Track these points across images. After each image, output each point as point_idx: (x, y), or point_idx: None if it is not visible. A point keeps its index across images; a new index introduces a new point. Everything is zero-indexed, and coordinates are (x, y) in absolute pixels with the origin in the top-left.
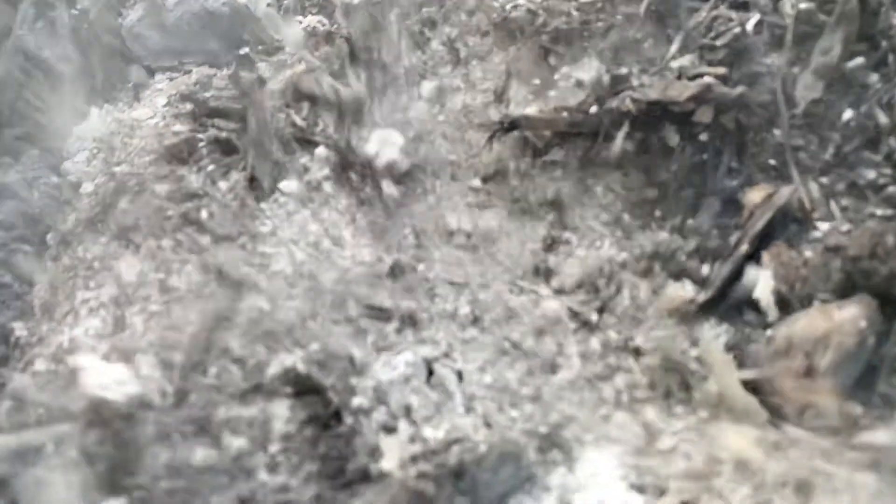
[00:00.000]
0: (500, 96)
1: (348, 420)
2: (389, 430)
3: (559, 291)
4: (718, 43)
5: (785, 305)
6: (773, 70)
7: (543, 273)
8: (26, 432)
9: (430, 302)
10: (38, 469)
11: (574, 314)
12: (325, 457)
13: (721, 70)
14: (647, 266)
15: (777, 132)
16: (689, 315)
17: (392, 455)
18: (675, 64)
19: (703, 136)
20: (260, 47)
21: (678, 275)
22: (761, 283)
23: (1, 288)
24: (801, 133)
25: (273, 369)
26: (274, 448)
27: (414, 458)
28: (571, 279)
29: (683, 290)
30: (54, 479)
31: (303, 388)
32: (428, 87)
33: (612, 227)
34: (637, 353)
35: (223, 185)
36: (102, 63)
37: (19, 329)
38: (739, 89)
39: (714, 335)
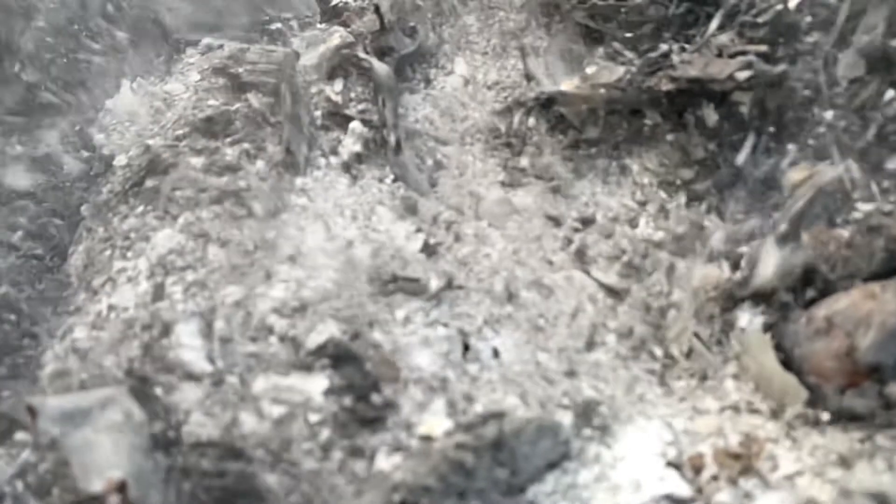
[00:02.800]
0: (535, 72)
1: (387, 391)
2: (426, 402)
3: (595, 269)
4: (760, 20)
5: (826, 285)
6: (815, 48)
7: (579, 251)
8: (74, 395)
9: (464, 278)
10: (87, 431)
11: (609, 292)
12: (364, 427)
13: (762, 48)
14: (684, 245)
15: (817, 111)
16: (727, 295)
17: (430, 426)
18: (714, 41)
19: (743, 115)
20: (293, 22)
21: (716, 255)
22: None
23: (33, 260)
24: (843, 113)
25: (311, 340)
26: (314, 417)
27: (452, 430)
28: (607, 258)
29: (720, 270)
30: (102, 441)
31: (341, 359)
32: (461, 62)
33: (647, 206)
34: (673, 333)
35: (259, 158)
36: (133, 37)
37: (57, 298)
38: (781, 67)
39: (751, 315)
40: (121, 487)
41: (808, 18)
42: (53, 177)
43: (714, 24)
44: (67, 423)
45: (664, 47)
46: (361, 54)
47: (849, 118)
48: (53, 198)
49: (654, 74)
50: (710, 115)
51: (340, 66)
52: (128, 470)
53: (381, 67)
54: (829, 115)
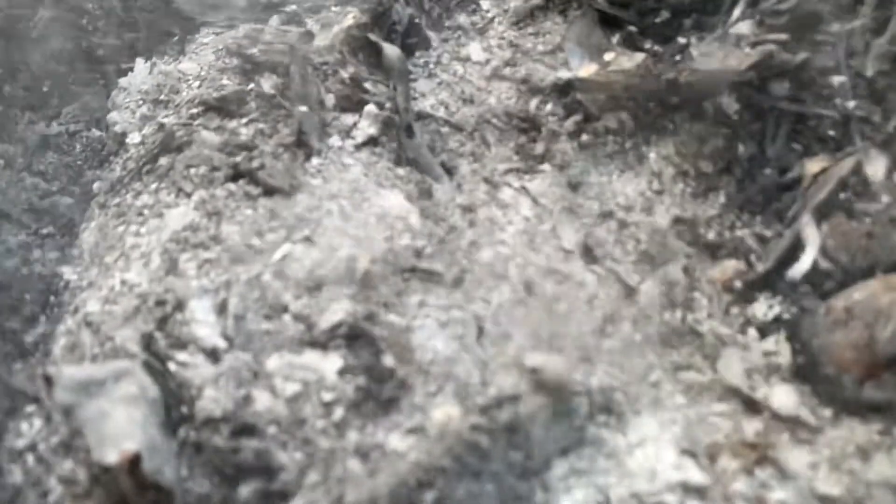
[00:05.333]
0: (553, 58)
1: (401, 372)
2: (440, 384)
3: (610, 258)
4: (782, 7)
5: (845, 276)
6: (838, 37)
7: (594, 239)
8: (89, 366)
9: (479, 264)
10: (101, 401)
11: (624, 281)
12: (378, 407)
13: (783, 36)
14: (700, 236)
15: (839, 101)
16: (744, 287)
17: (444, 409)
18: (735, 30)
19: (763, 105)
20: (307, 4)
21: (733, 246)
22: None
23: (44, 237)
24: (865, 104)
25: (325, 319)
26: (328, 396)
27: (466, 412)
28: (622, 246)
29: (738, 262)
30: (116, 412)
31: (355, 339)
32: (476, 48)
33: (664, 196)
34: (688, 323)
35: (273, 138)
36: (147, 16)
37: (68, 273)
38: (802, 56)
39: (768, 306)
40: (135, 459)
41: (831, 7)
42: (65, 155)
43: (737, 12)
44: (82, 393)
45: (682, 41)
46: (372, 36)
47: (870, 109)
48: (65, 176)
49: (672, 67)
50: (731, 105)
51: (353, 47)
52: (142, 442)
53: (390, 50)
54: (850, 105)
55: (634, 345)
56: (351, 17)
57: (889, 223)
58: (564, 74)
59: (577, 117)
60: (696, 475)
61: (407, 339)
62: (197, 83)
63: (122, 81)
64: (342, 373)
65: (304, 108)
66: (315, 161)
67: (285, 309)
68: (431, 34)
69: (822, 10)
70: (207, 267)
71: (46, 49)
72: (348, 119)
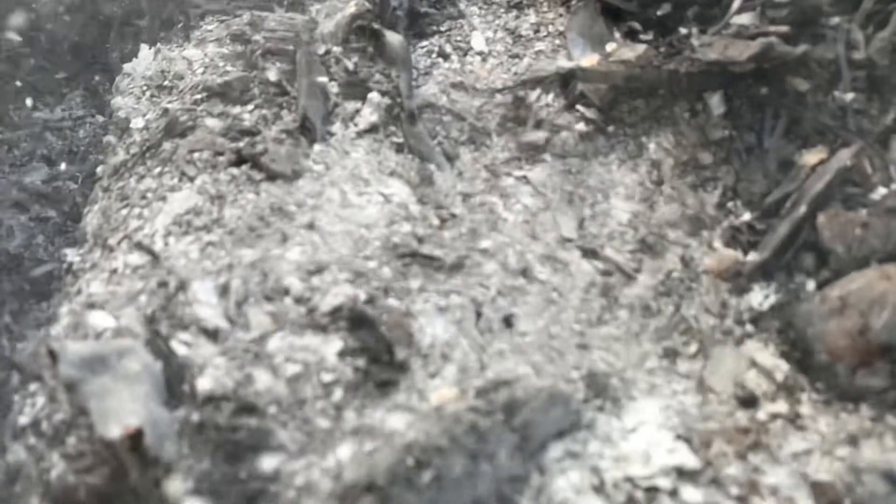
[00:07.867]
0: (555, 48)
1: (400, 355)
2: (439, 367)
3: (608, 247)
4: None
5: (840, 266)
6: (838, 30)
7: (592, 228)
8: (93, 343)
9: (478, 251)
10: (105, 378)
11: (623, 270)
12: (377, 388)
13: (783, 28)
14: (699, 226)
15: (838, 94)
16: (740, 276)
17: (442, 391)
18: (735, 22)
19: (762, 96)
20: None
21: (730, 235)
22: None
23: (46, 222)
24: (863, 96)
25: (326, 302)
26: (328, 377)
27: (463, 394)
28: (621, 235)
29: (734, 252)
30: (119, 389)
31: (355, 322)
32: (479, 38)
33: (663, 186)
34: (684, 311)
35: (276, 124)
36: (152, 2)
37: (71, 256)
38: (802, 48)
39: (764, 296)
40: (137, 435)
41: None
42: (69, 140)
43: (737, 3)
44: (86, 369)
45: (683, 31)
46: (375, 24)
47: (869, 101)
48: (68, 161)
49: (673, 58)
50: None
51: (357, 35)
52: (144, 419)
53: (393, 37)
54: (849, 97)
55: (631, 332)
56: (353, 4)
57: (885, 213)
58: (566, 64)
59: (578, 107)
60: (689, 459)
61: (407, 323)
62: (201, 69)
63: (127, 67)
64: (342, 355)
65: (307, 95)
66: (317, 147)
67: (287, 292)
68: (434, 21)
69: (822, 2)
70: (210, 250)
71: (50, 34)
72: (351, 106)
